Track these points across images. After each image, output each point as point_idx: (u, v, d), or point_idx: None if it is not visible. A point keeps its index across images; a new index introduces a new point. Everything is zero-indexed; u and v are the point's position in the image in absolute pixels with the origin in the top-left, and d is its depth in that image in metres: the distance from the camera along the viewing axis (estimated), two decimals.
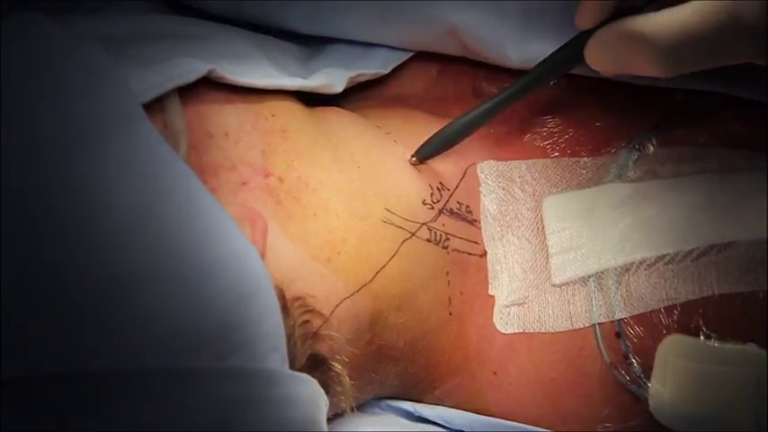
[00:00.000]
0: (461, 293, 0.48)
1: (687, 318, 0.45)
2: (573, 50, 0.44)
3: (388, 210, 0.46)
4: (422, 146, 0.48)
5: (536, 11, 0.49)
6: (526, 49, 0.50)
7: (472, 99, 0.53)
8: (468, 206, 0.49)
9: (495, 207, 0.49)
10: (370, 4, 0.52)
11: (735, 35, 0.37)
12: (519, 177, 0.50)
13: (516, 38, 0.50)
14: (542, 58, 0.47)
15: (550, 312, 0.47)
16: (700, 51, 0.38)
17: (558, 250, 0.48)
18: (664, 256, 0.46)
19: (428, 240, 0.47)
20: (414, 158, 0.48)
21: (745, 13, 0.37)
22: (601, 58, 0.42)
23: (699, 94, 0.48)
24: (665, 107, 0.49)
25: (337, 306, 0.43)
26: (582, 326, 0.47)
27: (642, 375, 0.45)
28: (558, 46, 0.47)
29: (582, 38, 0.43)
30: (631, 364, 0.45)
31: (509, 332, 0.48)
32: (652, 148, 0.48)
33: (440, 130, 0.48)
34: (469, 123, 0.48)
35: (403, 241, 0.46)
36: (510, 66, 0.51)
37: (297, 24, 0.53)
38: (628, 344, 0.45)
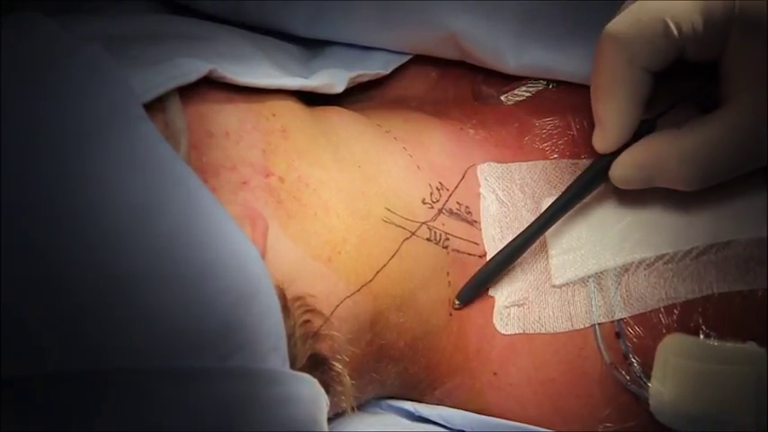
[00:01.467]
0: None
1: (687, 317, 0.45)
2: (596, 173, 0.45)
3: (388, 209, 0.46)
4: (463, 288, 0.47)
5: (534, 17, 0.49)
6: (524, 54, 0.50)
7: (472, 101, 0.53)
8: (467, 207, 0.49)
9: (495, 208, 0.49)
10: (370, 8, 0.52)
11: (758, 145, 0.40)
12: (519, 179, 0.50)
13: (514, 44, 0.50)
14: (544, 66, 0.48)
15: (550, 313, 0.47)
16: (730, 165, 0.41)
17: (558, 251, 0.48)
18: (663, 255, 0.46)
19: (428, 240, 0.47)
20: (457, 302, 0.47)
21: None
22: (629, 179, 0.44)
23: (697, 94, 0.48)
24: (663, 108, 0.49)
25: (338, 306, 0.43)
26: (582, 326, 0.47)
27: (642, 375, 0.45)
28: (555, 52, 0.47)
29: (604, 159, 0.45)
30: (631, 363, 0.45)
31: (509, 333, 0.48)
32: None
33: (478, 271, 0.47)
34: (503, 260, 0.47)
35: (403, 241, 0.46)
36: (508, 71, 0.51)
37: (296, 27, 0.53)
38: (627, 344, 0.45)
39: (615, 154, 0.44)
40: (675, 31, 0.41)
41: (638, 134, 0.44)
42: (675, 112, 0.44)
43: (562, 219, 0.47)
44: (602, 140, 0.44)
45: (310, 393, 0.40)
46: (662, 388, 0.43)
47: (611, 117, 0.43)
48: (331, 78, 0.49)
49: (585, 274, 0.47)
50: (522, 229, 0.48)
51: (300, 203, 0.43)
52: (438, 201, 0.48)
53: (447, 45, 0.52)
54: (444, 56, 0.53)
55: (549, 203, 0.47)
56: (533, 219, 0.49)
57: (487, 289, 0.48)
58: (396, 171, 0.48)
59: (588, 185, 0.46)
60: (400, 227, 0.46)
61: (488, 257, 0.49)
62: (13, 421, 0.34)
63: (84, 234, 0.35)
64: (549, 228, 0.47)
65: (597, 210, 0.48)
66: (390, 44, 0.53)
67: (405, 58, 0.54)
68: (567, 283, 0.47)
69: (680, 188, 0.43)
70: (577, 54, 0.49)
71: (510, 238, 0.49)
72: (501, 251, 0.47)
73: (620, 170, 0.44)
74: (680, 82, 0.45)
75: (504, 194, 0.49)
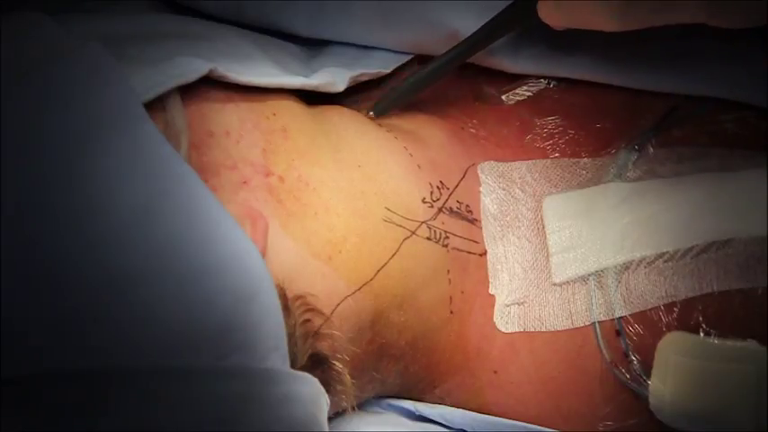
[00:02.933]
0: (462, 292, 0.48)
1: (687, 315, 0.45)
2: (526, 5, 0.45)
3: (388, 209, 0.46)
4: (378, 101, 0.50)
5: None
6: (525, 52, 0.50)
7: (473, 101, 0.53)
8: (468, 206, 0.49)
9: (495, 207, 0.49)
10: (370, 8, 0.52)
11: None
12: (519, 178, 0.50)
13: (515, 43, 0.50)
14: (546, 65, 0.48)
15: (551, 311, 0.47)
16: (645, 7, 0.39)
17: (559, 249, 0.48)
18: (663, 253, 0.46)
19: (428, 239, 0.47)
20: (371, 113, 0.50)
21: None
22: (554, 12, 0.43)
23: (698, 96, 0.48)
24: (664, 109, 0.49)
25: (338, 305, 0.43)
26: (582, 324, 0.47)
27: (642, 373, 0.45)
28: (556, 50, 0.47)
29: None
30: (631, 361, 0.45)
31: (510, 331, 0.48)
32: (651, 148, 0.48)
33: (395, 86, 0.50)
34: (423, 79, 0.49)
35: (403, 240, 0.46)
36: (509, 70, 0.51)
37: (296, 27, 0.53)
38: (628, 342, 0.46)
39: None
40: None
41: None
42: None
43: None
44: None
45: (311, 393, 0.40)
46: (662, 386, 0.43)
47: None
48: (332, 77, 0.49)
49: (586, 272, 0.47)
50: (522, 228, 0.49)
51: (301, 203, 0.43)
52: (438, 200, 0.48)
53: (448, 44, 0.52)
54: None
55: (549, 202, 0.48)
56: (534, 216, 0.49)
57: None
58: (396, 170, 0.48)
59: (516, 16, 0.46)
60: (400, 226, 0.46)
61: (489, 256, 0.49)
62: (12, 421, 0.34)
63: (85, 233, 0.35)
64: (473, 53, 0.48)
65: (598, 208, 0.48)
66: (391, 44, 0.53)
67: (406, 58, 0.54)
68: (568, 282, 0.47)
69: (603, 27, 0.42)
70: (578, 52, 0.49)
71: (510, 237, 0.49)
72: (423, 67, 0.49)
73: (544, 3, 0.44)
74: None
75: (504, 193, 0.49)
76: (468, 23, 0.50)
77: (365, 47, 0.54)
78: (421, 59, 0.54)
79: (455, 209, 0.49)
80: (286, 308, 0.40)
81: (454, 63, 0.49)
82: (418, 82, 0.49)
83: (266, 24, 0.53)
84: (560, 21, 0.44)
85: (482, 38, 0.48)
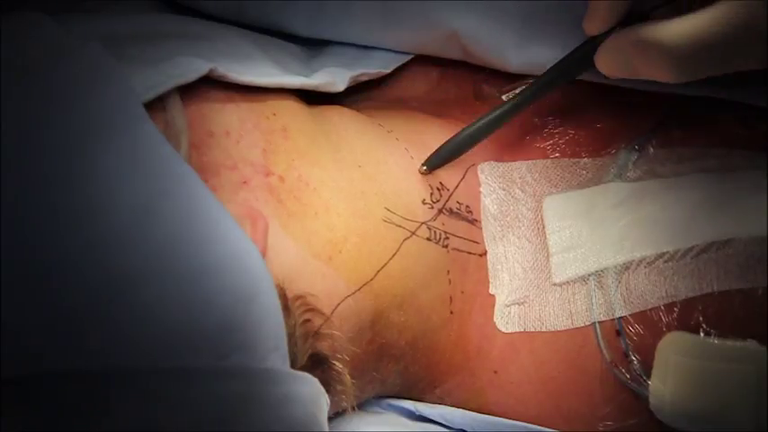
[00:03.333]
0: (462, 292, 0.48)
1: (687, 315, 0.45)
2: (582, 56, 0.45)
3: (388, 209, 0.46)
4: (431, 155, 0.48)
5: (536, 15, 0.49)
6: (526, 53, 0.50)
7: (473, 101, 0.53)
8: (467, 206, 0.49)
9: (495, 207, 0.49)
10: (371, 8, 0.52)
11: (747, 42, 0.38)
12: (519, 178, 0.50)
13: (516, 43, 0.50)
14: (547, 64, 0.47)
15: (551, 311, 0.47)
16: (713, 59, 0.39)
17: (559, 249, 0.48)
18: (663, 253, 0.46)
19: (428, 239, 0.47)
20: (424, 168, 0.48)
21: (759, 21, 0.37)
22: (613, 64, 0.43)
23: (698, 96, 0.48)
24: (664, 109, 0.49)
25: (339, 305, 0.43)
26: (582, 324, 0.47)
27: (642, 373, 0.45)
28: (559, 50, 0.47)
29: (591, 43, 0.44)
30: (631, 361, 0.45)
31: (510, 331, 0.48)
32: (651, 148, 0.49)
33: (449, 140, 0.48)
34: (478, 132, 0.48)
35: (403, 240, 0.46)
36: (510, 70, 0.51)
37: (297, 27, 0.53)
38: (628, 342, 0.46)
39: (602, 38, 0.43)
40: None
41: (628, 23, 0.43)
42: (671, 8, 0.42)
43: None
44: (592, 22, 0.43)
45: (311, 393, 0.40)
46: (662, 386, 0.43)
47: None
48: (332, 77, 0.49)
49: (586, 273, 0.47)
50: (522, 228, 0.49)
51: (301, 203, 0.43)
52: (438, 201, 0.48)
53: (448, 44, 0.52)
54: (446, 55, 0.53)
55: (549, 203, 0.48)
56: (534, 217, 0.49)
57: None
58: (396, 171, 0.48)
59: (572, 66, 0.46)
60: (400, 226, 0.46)
61: (489, 256, 0.49)
62: (12, 421, 0.34)
63: (85, 233, 0.35)
64: (526, 107, 0.47)
65: (598, 208, 0.48)
66: (392, 44, 0.53)
67: (406, 58, 0.54)
68: (568, 282, 0.47)
69: (661, 78, 0.41)
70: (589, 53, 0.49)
71: (511, 237, 0.49)
72: (475, 122, 0.48)
73: (604, 53, 0.43)
74: None
75: (504, 193, 0.49)
76: (467, 23, 0.50)
77: (365, 47, 0.54)
78: (421, 59, 0.54)
79: (455, 209, 0.49)
80: (286, 308, 0.40)
81: (509, 115, 0.47)
82: (474, 134, 0.48)
83: (266, 24, 0.53)
84: (619, 72, 0.43)
85: (538, 90, 0.47)
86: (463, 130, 0.48)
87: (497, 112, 0.47)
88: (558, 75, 0.46)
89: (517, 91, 0.48)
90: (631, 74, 0.43)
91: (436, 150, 0.48)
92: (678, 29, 0.39)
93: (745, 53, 0.39)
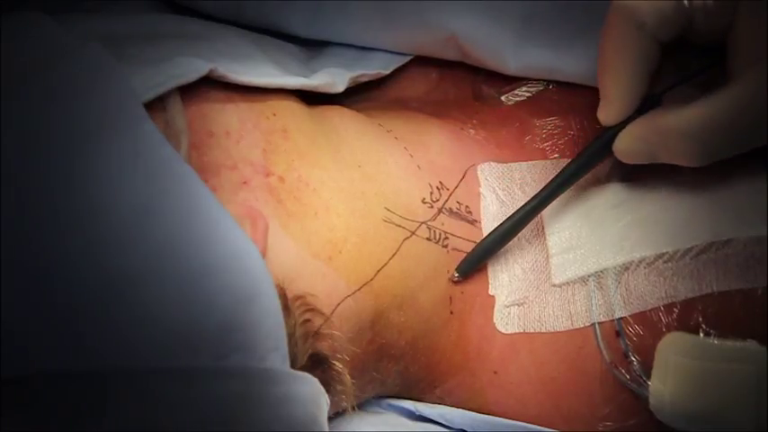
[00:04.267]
0: (462, 293, 0.48)
1: (687, 315, 0.45)
2: (601, 146, 0.45)
3: (388, 209, 0.46)
4: (462, 261, 0.47)
5: (534, 18, 0.49)
6: (524, 55, 0.50)
7: (472, 102, 0.53)
8: (467, 206, 0.49)
9: (495, 207, 0.49)
10: (369, 9, 0.52)
11: (764, 124, 0.40)
12: (519, 178, 0.50)
13: (514, 44, 0.50)
14: (545, 66, 0.48)
15: (550, 312, 0.47)
16: (733, 142, 0.41)
17: (558, 250, 0.48)
18: (663, 254, 0.46)
19: (428, 239, 0.47)
20: (456, 276, 0.47)
21: None
22: (632, 152, 0.44)
23: None
24: None
25: (338, 305, 0.43)
26: (582, 325, 0.47)
27: (642, 374, 0.45)
28: (557, 52, 0.47)
29: (606, 135, 0.45)
30: (631, 362, 0.45)
31: (509, 332, 0.48)
32: None
33: (478, 244, 0.47)
34: (505, 232, 0.47)
35: (403, 240, 0.46)
36: (508, 72, 0.51)
37: (296, 27, 0.53)
38: (627, 342, 0.45)
39: (620, 127, 0.44)
40: (686, 0, 0.41)
41: (643, 108, 0.44)
42: (681, 90, 0.44)
43: (563, 195, 0.47)
44: (607, 112, 0.44)
45: (310, 393, 0.40)
46: (662, 386, 0.43)
47: (616, 88, 0.43)
48: (332, 78, 0.49)
49: (585, 273, 0.47)
50: (523, 230, 0.48)
51: (301, 203, 0.43)
52: (438, 200, 0.48)
53: (447, 46, 0.52)
54: (444, 57, 0.53)
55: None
56: (534, 218, 0.49)
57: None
58: (396, 171, 0.48)
59: (592, 158, 0.46)
60: (400, 226, 0.46)
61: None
62: (12, 421, 0.34)
63: (85, 234, 0.35)
64: (552, 201, 0.46)
65: (597, 209, 0.48)
66: (390, 45, 0.53)
67: (405, 59, 0.54)
68: (568, 282, 0.47)
69: (683, 163, 0.42)
70: (578, 54, 0.49)
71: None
72: (503, 223, 0.47)
73: (624, 142, 0.44)
74: (686, 60, 0.45)
75: (504, 194, 0.49)
76: (465, 25, 0.50)
77: (364, 48, 0.54)
78: (420, 60, 0.54)
79: (455, 209, 0.49)
80: (286, 308, 0.40)
81: (537, 211, 0.46)
82: (501, 236, 0.47)
83: (265, 25, 0.53)
84: (639, 159, 0.44)
85: (560, 184, 0.46)
86: (493, 230, 0.47)
87: (524, 211, 0.46)
88: (577, 168, 0.46)
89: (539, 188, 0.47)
90: (649, 160, 0.44)
91: (466, 256, 0.47)
92: (698, 116, 0.40)
93: (759, 134, 0.40)
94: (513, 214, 0.46)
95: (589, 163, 0.46)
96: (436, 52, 0.53)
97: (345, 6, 0.52)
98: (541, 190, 0.46)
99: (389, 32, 0.52)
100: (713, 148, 0.41)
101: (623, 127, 0.44)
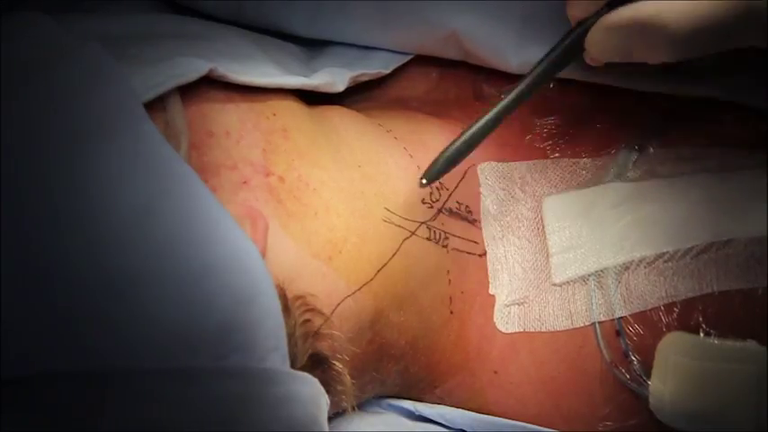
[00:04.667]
0: (462, 293, 0.48)
1: (687, 315, 0.45)
2: (572, 43, 0.43)
3: (388, 209, 0.46)
4: (429, 167, 0.45)
5: (536, 15, 0.49)
6: (526, 53, 0.50)
7: (473, 102, 0.53)
8: (467, 206, 0.49)
9: (495, 207, 0.49)
10: (370, 8, 0.52)
11: (747, 22, 0.37)
12: (519, 178, 0.50)
13: (516, 42, 0.50)
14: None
15: (551, 311, 0.47)
16: (713, 39, 0.38)
17: (558, 250, 0.48)
18: (663, 254, 0.46)
19: (428, 239, 0.47)
20: (423, 181, 0.44)
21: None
22: (606, 46, 0.41)
23: (698, 96, 0.48)
24: (664, 109, 0.49)
25: (338, 305, 0.43)
26: (582, 324, 0.47)
27: (642, 373, 0.45)
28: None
29: (579, 29, 0.42)
30: (631, 362, 0.45)
31: (509, 331, 0.48)
32: (651, 148, 0.48)
33: (446, 148, 0.45)
34: (475, 136, 0.44)
35: (403, 240, 0.46)
36: (510, 70, 0.51)
37: (296, 27, 0.53)
38: (628, 342, 0.45)
39: (592, 21, 0.41)
40: None
41: (614, 2, 0.41)
42: None
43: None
44: (574, 7, 0.42)
45: (310, 393, 0.40)
46: (662, 386, 0.43)
47: None
48: (332, 77, 0.49)
49: (586, 273, 0.47)
50: (522, 228, 0.48)
51: (301, 203, 0.43)
52: (438, 200, 0.48)
53: (448, 45, 0.52)
54: (445, 56, 0.53)
55: (548, 203, 0.47)
56: (534, 217, 0.49)
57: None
58: (396, 171, 0.48)
59: (563, 55, 0.43)
60: (400, 226, 0.46)
61: (489, 256, 0.49)
62: (12, 421, 0.34)
63: (85, 234, 0.35)
64: (521, 104, 0.44)
65: (598, 208, 0.48)
66: (391, 44, 0.53)
67: (406, 58, 0.54)
68: (568, 282, 0.47)
69: (658, 58, 0.40)
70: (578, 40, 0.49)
71: (510, 237, 0.49)
72: (472, 125, 0.44)
73: (597, 35, 0.41)
74: None
75: (504, 193, 0.49)
76: (466, 23, 0.50)
77: (365, 47, 0.54)
78: (421, 60, 0.54)
79: (455, 209, 0.49)
80: (286, 308, 0.40)
81: (504, 114, 0.44)
82: (471, 138, 0.44)
83: (265, 24, 0.53)
84: (612, 55, 0.42)
85: (531, 85, 0.44)
86: (460, 134, 0.45)
87: (493, 112, 0.44)
88: (549, 66, 0.44)
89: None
90: (623, 57, 0.41)
91: (434, 161, 0.45)
92: (681, 8, 0.38)
93: (743, 33, 0.38)
94: (483, 116, 0.44)
95: (560, 61, 0.44)
96: (437, 51, 0.53)
97: (345, 6, 0.52)
98: (511, 91, 0.44)
99: (390, 31, 0.52)
100: (692, 43, 0.38)
101: (595, 21, 0.41)
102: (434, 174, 0.44)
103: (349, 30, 0.53)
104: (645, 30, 0.39)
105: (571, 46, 0.43)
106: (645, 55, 0.40)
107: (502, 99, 0.45)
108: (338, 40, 0.54)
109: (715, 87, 0.47)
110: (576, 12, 0.42)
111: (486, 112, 0.44)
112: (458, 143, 0.44)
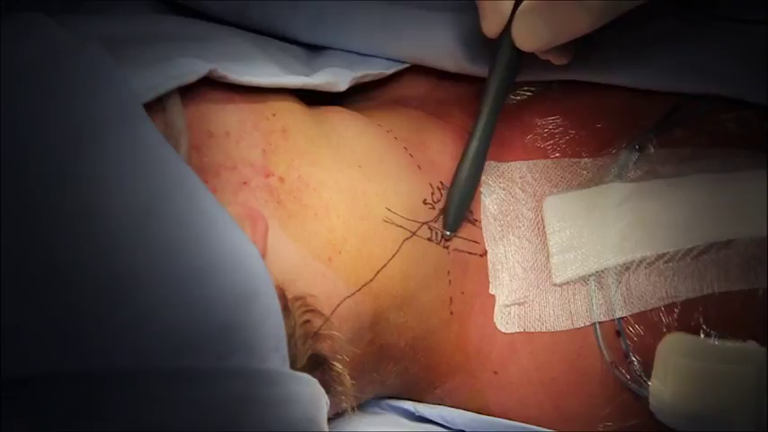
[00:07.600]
0: (462, 293, 0.48)
1: (687, 316, 0.45)
2: (510, 56, 0.45)
3: (388, 209, 0.46)
4: (446, 218, 0.47)
5: None
6: (525, 56, 0.50)
7: (473, 101, 0.53)
8: None
9: (495, 207, 0.49)
10: (372, 15, 0.52)
11: None
12: (520, 178, 0.50)
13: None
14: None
15: (551, 312, 0.47)
16: None
17: (559, 250, 0.48)
18: (664, 254, 0.46)
19: (429, 240, 0.47)
20: (448, 233, 0.47)
21: None
22: (531, 30, 0.43)
23: (698, 95, 0.48)
24: (664, 109, 0.49)
25: (338, 305, 0.43)
26: (582, 325, 0.47)
27: (642, 374, 0.45)
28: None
29: (501, 41, 0.45)
30: (632, 362, 0.45)
31: (510, 332, 0.48)
32: (652, 148, 0.48)
33: (448, 197, 0.47)
34: (469, 179, 0.47)
35: (404, 240, 0.46)
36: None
37: (298, 31, 0.53)
38: (628, 342, 0.45)
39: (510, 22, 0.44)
40: None
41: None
42: None
43: None
44: (487, 25, 0.44)
45: (310, 393, 0.40)
46: (662, 387, 0.43)
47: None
48: (334, 76, 0.49)
49: (586, 273, 0.47)
50: (522, 228, 0.48)
51: (301, 203, 0.43)
52: (439, 201, 0.48)
53: (447, 57, 0.51)
54: (442, 68, 0.52)
55: (549, 203, 0.47)
56: (534, 217, 0.49)
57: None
58: (396, 171, 0.48)
59: (508, 70, 0.46)
60: (401, 227, 0.46)
61: (489, 257, 0.48)
62: (12, 422, 0.34)
63: (84, 234, 0.35)
64: (491, 130, 0.47)
65: (599, 209, 0.48)
66: (391, 53, 0.53)
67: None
68: (568, 282, 0.47)
69: (579, 29, 0.41)
70: (578, 54, 0.49)
71: (511, 237, 0.49)
72: (460, 166, 0.47)
73: (520, 21, 0.43)
74: None
75: (504, 193, 0.49)
76: (464, 37, 0.50)
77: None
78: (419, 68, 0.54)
79: None
80: (286, 309, 0.40)
81: (484, 144, 0.47)
82: (469, 178, 0.47)
83: (267, 28, 0.53)
84: (540, 40, 0.43)
85: (493, 108, 0.47)
86: (453, 181, 0.47)
87: (470, 150, 0.47)
88: (501, 84, 0.46)
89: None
90: (550, 40, 0.43)
91: (445, 209, 0.47)
92: None
93: None
94: (463, 154, 0.47)
95: (508, 74, 0.46)
96: (436, 63, 0.52)
97: (348, 14, 0.52)
98: (476, 124, 0.47)
99: (391, 40, 0.52)
100: (610, 6, 0.40)
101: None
102: (453, 223, 0.48)
103: (350, 35, 0.53)
104: (565, 7, 0.40)
105: (510, 60, 0.46)
106: (567, 28, 0.41)
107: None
108: (340, 47, 0.54)
109: (716, 83, 0.47)
110: (489, 28, 0.45)
111: (463, 153, 0.47)
112: (456, 189, 0.47)
